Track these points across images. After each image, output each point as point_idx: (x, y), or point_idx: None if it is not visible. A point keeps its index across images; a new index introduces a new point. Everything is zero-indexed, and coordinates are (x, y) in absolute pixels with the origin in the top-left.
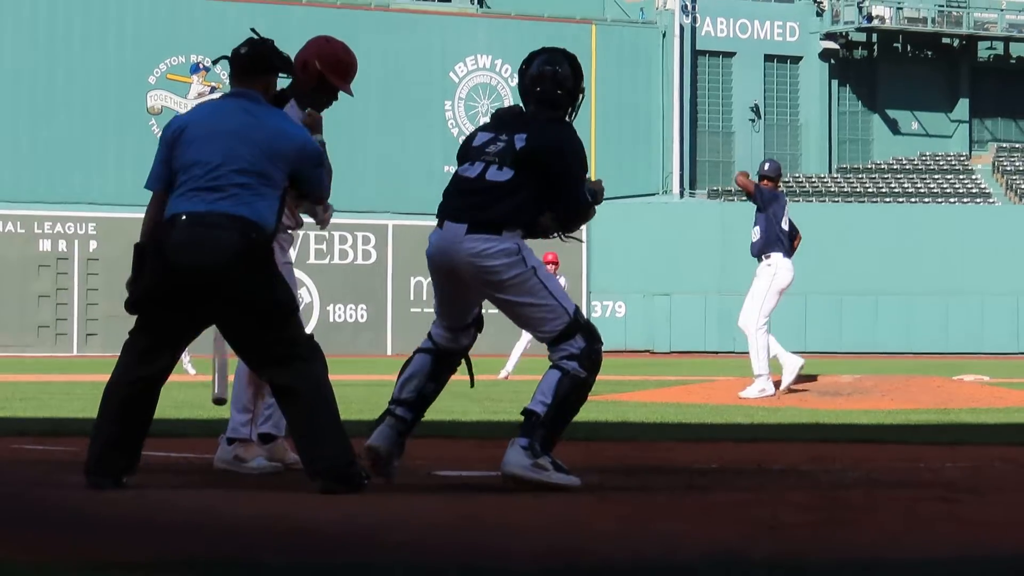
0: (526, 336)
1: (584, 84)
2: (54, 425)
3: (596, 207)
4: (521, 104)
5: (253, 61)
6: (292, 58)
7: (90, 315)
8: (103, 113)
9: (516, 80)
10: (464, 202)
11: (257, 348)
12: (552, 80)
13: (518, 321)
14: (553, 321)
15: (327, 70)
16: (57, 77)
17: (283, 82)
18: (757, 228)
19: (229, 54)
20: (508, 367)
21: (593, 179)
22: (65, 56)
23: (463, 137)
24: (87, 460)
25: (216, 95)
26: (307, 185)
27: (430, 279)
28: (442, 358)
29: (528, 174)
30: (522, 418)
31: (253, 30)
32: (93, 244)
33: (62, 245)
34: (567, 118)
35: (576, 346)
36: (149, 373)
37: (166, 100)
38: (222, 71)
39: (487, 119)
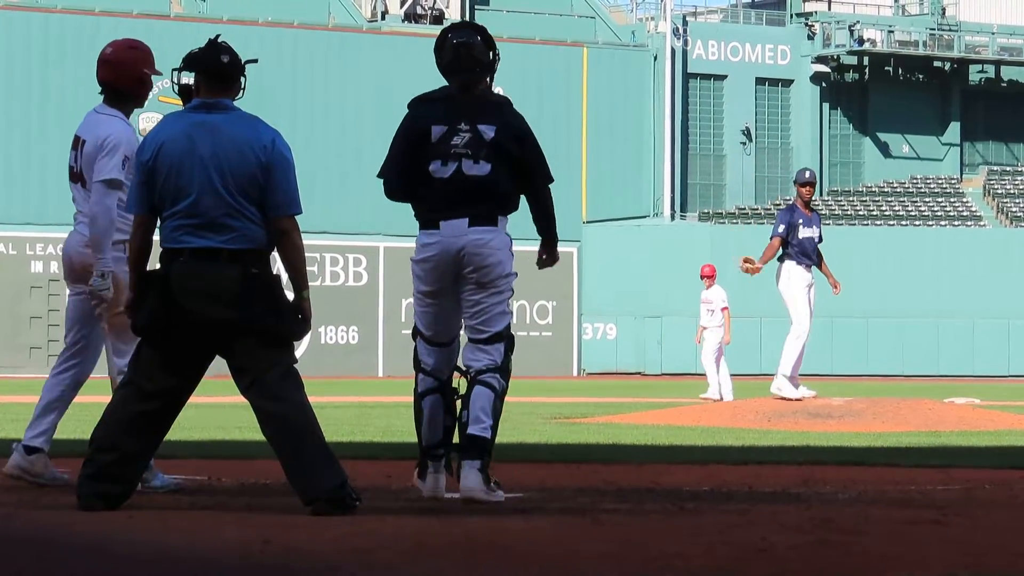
0: (714, 357)
1: (498, 50)
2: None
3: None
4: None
5: (235, 69)
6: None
7: None
8: None
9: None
10: (454, 199)
11: (252, 370)
12: (468, 58)
13: (471, 312)
14: (500, 323)
15: (153, 70)
16: (48, 99)
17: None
18: (817, 245)
19: (198, 60)
20: (726, 391)
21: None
22: (57, 78)
23: None
24: (79, 481)
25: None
26: (274, 194)
27: (418, 293)
28: (447, 389)
29: (502, 164)
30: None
31: (217, 36)
32: None
33: (54, 266)
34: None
35: (498, 354)
36: (160, 391)
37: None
38: (185, 79)
39: (424, 102)
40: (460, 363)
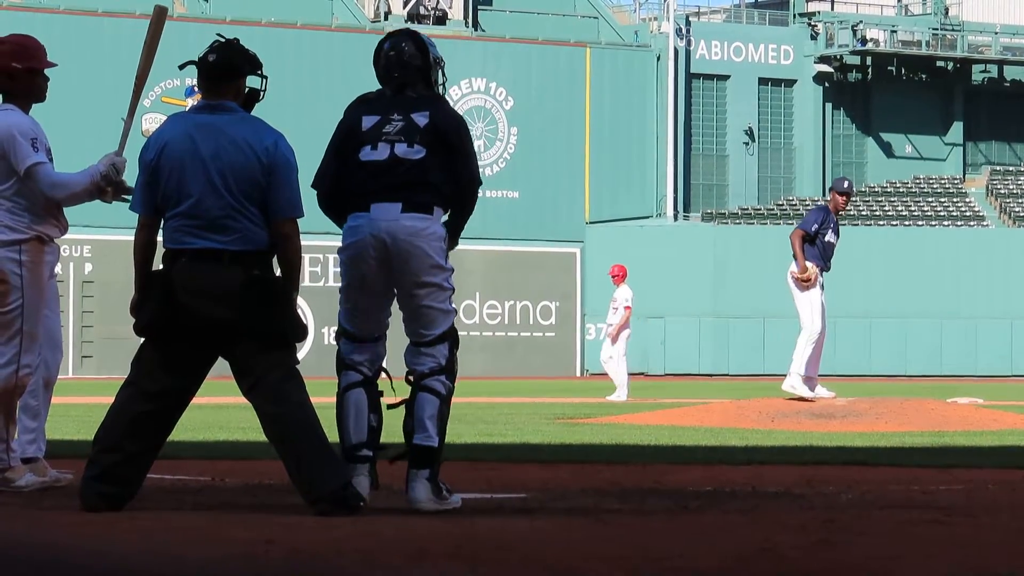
0: (616, 354)
1: (438, 55)
2: (49, 447)
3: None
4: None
5: (222, 68)
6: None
7: (85, 337)
8: (98, 135)
9: (510, 104)
10: (386, 182)
11: (254, 371)
12: (398, 63)
13: (411, 314)
14: (443, 324)
15: (27, 62)
16: (51, 99)
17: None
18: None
19: (196, 60)
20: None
21: None
22: (60, 79)
23: None
24: (82, 482)
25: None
26: (276, 197)
27: (344, 286)
28: (372, 385)
29: (436, 151)
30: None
31: (219, 35)
32: (88, 267)
33: (57, 267)
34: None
35: (442, 355)
36: (163, 392)
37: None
38: (192, 80)
39: (358, 103)
40: (388, 364)
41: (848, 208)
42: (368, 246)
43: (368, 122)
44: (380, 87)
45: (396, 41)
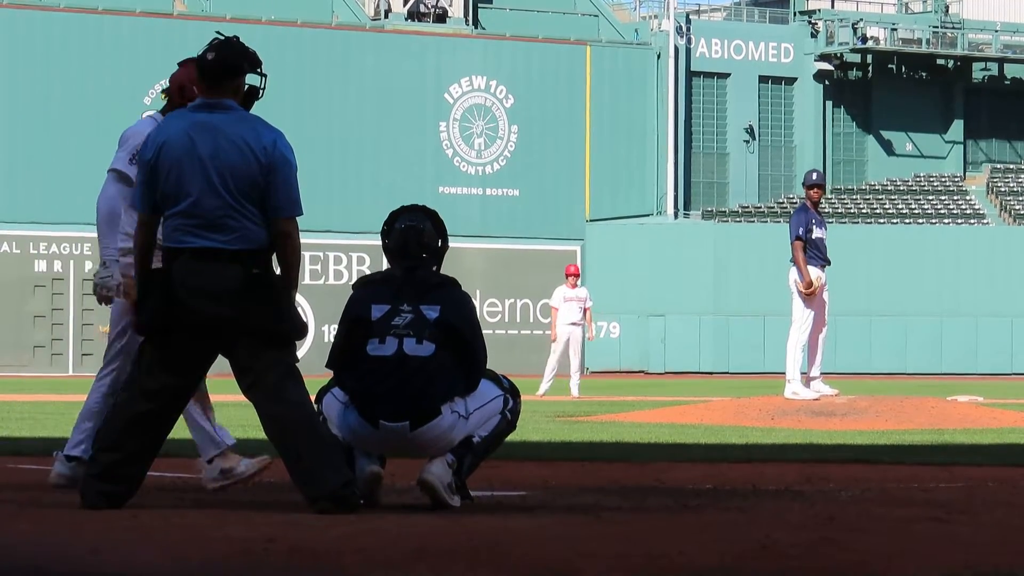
0: (555, 357)
1: (447, 237)
2: (49, 445)
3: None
4: (389, 263)
5: (221, 66)
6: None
7: (85, 335)
8: (99, 133)
9: (510, 102)
10: (391, 386)
11: (254, 369)
12: (416, 244)
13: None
14: (490, 420)
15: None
16: (53, 98)
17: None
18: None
19: (195, 58)
20: (544, 386)
21: None
22: (61, 77)
23: (457, 159)
24: (82, 480)
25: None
26: (275, 196)
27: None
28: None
29: (445, 345)
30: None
31: (219, 33)
32: (88, 264)
33: (57, 265)
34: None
35: (507, 405)
36: (163, 390)
37: None
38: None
39: (366, 285)
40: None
41: (849, 205)
42: (380, 448)
43: (377, 311)
44: (388, 265)
45: (414, 217)
